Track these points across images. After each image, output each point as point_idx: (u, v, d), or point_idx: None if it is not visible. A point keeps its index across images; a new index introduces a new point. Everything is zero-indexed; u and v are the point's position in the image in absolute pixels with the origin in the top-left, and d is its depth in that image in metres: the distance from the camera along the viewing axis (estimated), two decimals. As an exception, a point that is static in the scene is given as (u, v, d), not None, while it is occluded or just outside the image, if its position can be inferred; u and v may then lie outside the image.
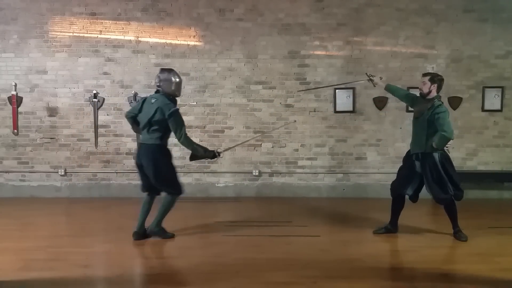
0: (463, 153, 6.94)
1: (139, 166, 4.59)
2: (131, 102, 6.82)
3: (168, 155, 4.60)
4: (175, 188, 4.63)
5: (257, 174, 6.95)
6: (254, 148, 6.93)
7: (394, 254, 4.23)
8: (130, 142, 6.92)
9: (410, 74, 6.82)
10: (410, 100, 5.02)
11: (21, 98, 6.78)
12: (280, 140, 6.91)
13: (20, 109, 6.79)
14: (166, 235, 4.68)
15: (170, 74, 4.56)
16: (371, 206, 6.30)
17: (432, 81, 4.58)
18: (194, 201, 6.57)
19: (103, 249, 4.38)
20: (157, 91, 4.57)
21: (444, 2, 6.74)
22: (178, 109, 4.47)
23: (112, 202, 6.45)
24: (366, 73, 5.30)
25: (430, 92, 4.59)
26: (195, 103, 6.85)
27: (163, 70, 4.61)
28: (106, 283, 3.64)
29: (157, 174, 4.48)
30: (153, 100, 4.48)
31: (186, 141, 4.52)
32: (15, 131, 6.81)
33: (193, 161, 4.89)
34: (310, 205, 6.36)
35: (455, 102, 6.87)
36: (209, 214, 5.82)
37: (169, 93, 4.51)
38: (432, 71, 6.77)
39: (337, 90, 6.80)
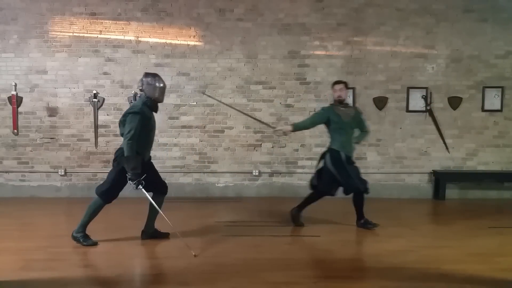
0: (463, 153, 6.95)
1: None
2: (131, 102, 6.81)
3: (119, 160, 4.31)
4: (104, 193, 4.39)
5: (257, 174, 6.95)
6: (254, 148, 6.93)
7: (394, 254, 4.22)
8: (130, 142, 6.91)
9: (410, 74, 6.83)
10: (325, 117, 5.06)
11: (21, 98, 6.78)
12: (280, 140, 6.91)
13: (20, 109, 6.79)
14: (162, 235, 4.66)
15: (154, 78, 4.43)
16: (371, 206, 6.28)
17: (347, 87, 5.11)
18: (194, 201, 6.58)
19: (103, 249, 4.38)
20: (137, 95, 4.52)
21: (444, 2, 6.74)
22: (137, 112, 4.21)
23: (112, 202, 6.43)
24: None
25: (346, 97, 5.12)
26: (195, 103, 6.85)
27: (147, 74, 4.49)
28: (106, 283, 3.64)
29: (109, 173, 4.41)
30: (132, 103, 4.47)
31: (128, 147, 4.14)
32: (15, 131, 6.81)
33: (116, 163, 4.38)
34: (310, 205, 6.35)
35: (455, 102, 6.87)
36: (209, 214, 5.81)
37: (151, 98, 4.38)
38: (432, 71, 6.82)
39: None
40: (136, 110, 4.23)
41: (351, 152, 5.04)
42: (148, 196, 4.42)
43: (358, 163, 6.87)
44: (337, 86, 5.01)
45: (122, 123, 4.32)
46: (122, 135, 4.32)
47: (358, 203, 5.12)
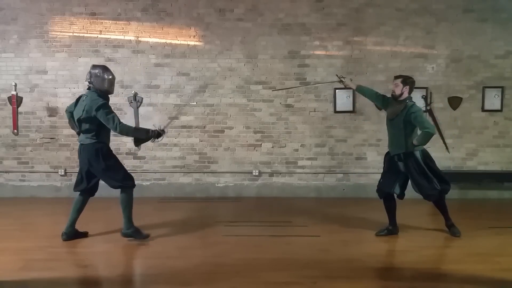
0: (463, 153, 6.94)
1: (80, 164, 4.52)
2: (131, 102, 6.83)
3: (104, 151, 4.45)
4: (124, 182, 4.53)
5: (257, 174, 6.95)
6: (254, 148, 6.93)
7: (394, 254, 4.23)
8: (130, 142, 6.86)
9: (410, 74, 6.72)
10: (380, 100, 5.04)
11: (21, 98, 6.78)
12: (280, 140, 6.91)
13: (20, 109, 6.79)
14: (141, 235, 4.61)
15: (103, 70, 4.46)
16: (371, 206, 6.29)
17: (404, 83, 4.67)
18: (194, 201, 6.58)
19: (103, 249, 4.38)
20: (88, 88, 4.48)
21: (444, 2, 6.74)
22: (105, 102, 4.35)
23: (112, 202, 6.41)
24: (337, 75, 5.30)
25: (402, 94, 4.68)
26: (195, 103, 6.85)
27: (95, 67, 4.51)
28: (106, 283, 3.64)
29: (103, 172, 4.43)
30: (84, 98, 4.43)
31: (124, 129, 4.39)
32: (15, 131, 6.81)
33: (138, 146, 4.66)
34: (310, 205, 6.36)
35: (455, 102, 6.87)
36: (209, 214, 5.81)
37: (101, 90, 4.42)
38: (432, 71, 6.82)
39: (337, 90, 6.80)
40: (103, 101, 4.32)
41: (392, 151, 4.79)
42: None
43: (358, 163, 6.95)
44: (393, 81, 4.75)
45: (83, 120, 4.34)
46: (84, 131, 4.38)
47: (386, 207, 4.97)
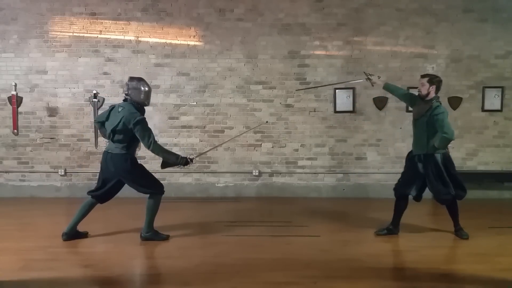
0: (463, 153, 6.94)
1: (103, 172, 4.55)
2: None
3: (132, 161, 4.52)
4: (155, 188, 4.59)
5: (257, 174, 6.95)
6: (254, 148, 6.93)
7: (394, 254, 4.23)
8: (130, 142, 6.91)
9: (410, 74, 6.82)
10: (409, 99, 5.01)
11: (21, 98, 6.78)
12: (280, 140, 6.91)
13: (20, 109, 6.79)
14: (160, 237, 4.65)
15: (140, 83, 4.49)
16: (371, 206, 6.30)
17: (430, 82, 4.57)
18: (194, 201, 6.57)
19: (103, 249, 4.38)
20: (125, 99, 4.50)
21: (444, 2, 6.74)
22: (144, 118, 4.40)
23: (112, 202, 6.42)
24: (365, 72, 5.27)
25: (428, 93, 4.59)
26: (195, 103, 6.85)
27: (132, 79, 4.55)
28: (106, 283, 3.64)
29: (133, 181, 4.51)
30: (119, 109, 4.44)
31: (156, 148, 4.45)
32: (15, 131, 6.81)
33: (164, 169, 4.69)
34: (310, 205, 6.36)
35: (455, 102, 6.87)
36: (209, 214, 5.81)
37: (137, 102, 4.46)
38: (432, 71, 6.80)
39: (337, 90, 6.80)
40: (141, 117, 4.37)
41: (415, 151, 4.72)
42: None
43: (358, 163, 6.95)
44: (420, 80, 4.66)
45: (118, 131, 4.37)
46: (116, 141, 4.41)
47: (396, 206, 4.91)
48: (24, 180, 6.97)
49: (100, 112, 6.79)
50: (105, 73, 6.84)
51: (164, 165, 4.63)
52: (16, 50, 6.79)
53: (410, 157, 4.82)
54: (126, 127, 4.33)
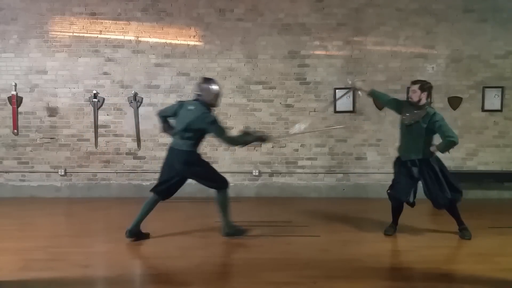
0: (463, 153, 6.94)
1: (169, 168, 4.59)
2: (131, 102, 6.83)
3: (199, 157, 4.66)
4: (220, 182, 4.69)
5: (257, 174, 6.95)
6: (254, 148, 6.92)
7: (394, 254, 4.23)
8: (130, 142, 6.92)
9: (410, 74, 6.82)
10: (395, 105, 4.98)
11: (21, 98, 6.78)
12: (280, 140, 6.91)
13: (20, 109, 6.80)
14: (242, 232, 4.74)
15: (211, 84, 4.60)
16: (371, 206, 6.30)
17: (422, 89, 4.60)
18: (194, 201, 6.57)
19: (103, 249, 4.38)
20: (196, 99, 4.59)
21: (444, 2, 6.74)
22: (216, 117, 4.54)
23: (112, 202, 6.45)
24: (349, 81, 5.28)
25: (420, 100, 4.62)
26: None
27: (205, 80, 4.65)
28: (106, 283, 3.65)
29: (200, 177, 4.66)
30: (190, 107, 4.52)
31: (233, 142, 4.72)
32: (15, 131, 6.81)
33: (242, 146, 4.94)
34: (310, 205, 6.36)
35: (455, 102, 6.87)
36: (209, 214, 5.80)
37: (206, 102, 4.56)
38: (432, 71, 6.81)
39: (337, 90, 6.80)
40: (214, 117, 4.51)
41: (406, 156, 4.74)
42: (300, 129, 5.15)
43: (358, 163, 6.95)
44: (411, 87, 4.69)
45: (186, 129, 4.47)
46: (184, 137, 4.50)
47: (394, 209, 4.91)
48: (24, 180, 6.97)
49: (101, 112, 6.84)
50: (105, 73, 6.84)
51: (245, 144, 4.80)
52: (16, 50, 6.79)
53: (402, 163, 4.79)
54: (198, 126, 4.43)
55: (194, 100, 4.60)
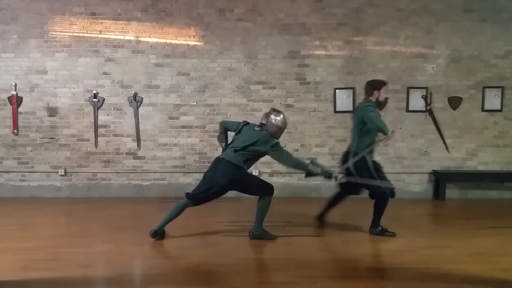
0: (463, 153, 6.95)
1: (210, 178, 4.59)
2: (131, 102, 6.83)
3: (244, 174, 4.64)
4: (265, 190, 4.66)
5: (257, 174, 6.94)
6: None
7: (394, 254, 4.22)
8: (130, 142, 6.92)
9: (410, 74, 6.83)
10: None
11: (21, 98, 6.78)
12: (280, 140, 6.88)
13: (20, 109, 6.80)
14: (269, 237, 4.70)
15: (279, 118, 4.65)
16: (371, 206, 6.29)
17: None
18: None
19: (103, 249, 4.37)
20: (260, 125, 4.66)
21: (444, 2, 6.74)
22: (278, 142, 4.60)
23: (112, 202, 6.45)
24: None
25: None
26: (195, 103, 6.85)
27: (276, 113, 4.69)
28: (106, 283, 3.64)
29: (243, 189, 4.71)
30: (256, 128, 4.62)
31: (297, 166, 4.60)
32: (15, 131, 6.81)
33: (308, 177, 4.74)
34: (310, 205, 6.35)
35: (455, 102, 6.87)
36: (209, 214, 5.81)
37: (270, 134, 4.61)
38: (432, 71, 6.82)
39: (337, 90, 6.80)
40: (276, 141, 4.57)
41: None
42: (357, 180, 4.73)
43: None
44: (382, 89, 4.79)
45: (252, 149, 4.53)
46: (240, 152, 4.53)
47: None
48: (24, 180, 6.97)
49: (101, 112, 6.84)
50: (105, 73, 6.84)
51: (308, 174, 4.63)
52: (16, 50, 6.78)
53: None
54: (259, 148, 4.50)
55: (259, 125, 4.67)
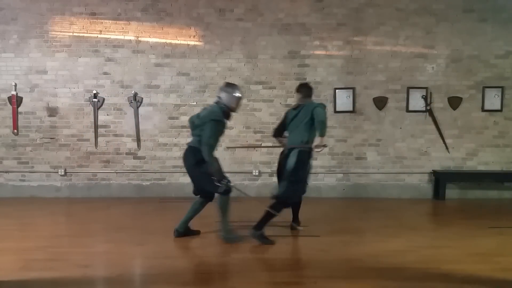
0: (463, 153, 6.95)
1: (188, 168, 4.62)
2: (131, 102, 6.83)
3: (200, 156, 4.53)
4: (215, 189, 4.62)
5: (257, 174, 6.95)
6: (254, 148, 6.93)
7: (394, 254, 4.22)
8: (130, 142, 6.92)
9: (410, 74, 6.83)
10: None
11: (21, 98, 6.79)
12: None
13: (20, 109, 6.80)
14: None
15: (233, 89, 4.61)
16: (371, 206, 6.30)
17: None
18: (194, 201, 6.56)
19: (103, 249, 4.37)
20: (216, 102, 4.59)
21: (444, 2, 6.74)
22: (220, 121, 4.46)
23: (112, 202, 6.45)
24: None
25: None
26: (195, 103, 6.85)
27: (228, 84, 4.67)
28: (106, 283, 3.64)
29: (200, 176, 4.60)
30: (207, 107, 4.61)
31: (207, 152, 4.46)
32: (15, 131, 6.81)
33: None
34: (310, 205, 6.35)
35: (455, 102, 6.87)
36: (209, 214, 5.81)
37: (225, 105, 4.54)
38: (432, 71, 6.82)
39: (337, 90, 6.80)
40: (219, 119, 4.43)
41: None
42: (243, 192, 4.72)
43: (358, 163, 6.95)
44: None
45: (197, 126, 4.46)
46: (195, 135, 4.51)
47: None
48: (24, 180, 6.97)
49: (101, 112, 6.85)
50: (105, 73, 6.84)
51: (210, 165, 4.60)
52: (16, 50, 6.79)
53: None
54: (202, 122, 4.42)
55: (215, 103, 4.61)
